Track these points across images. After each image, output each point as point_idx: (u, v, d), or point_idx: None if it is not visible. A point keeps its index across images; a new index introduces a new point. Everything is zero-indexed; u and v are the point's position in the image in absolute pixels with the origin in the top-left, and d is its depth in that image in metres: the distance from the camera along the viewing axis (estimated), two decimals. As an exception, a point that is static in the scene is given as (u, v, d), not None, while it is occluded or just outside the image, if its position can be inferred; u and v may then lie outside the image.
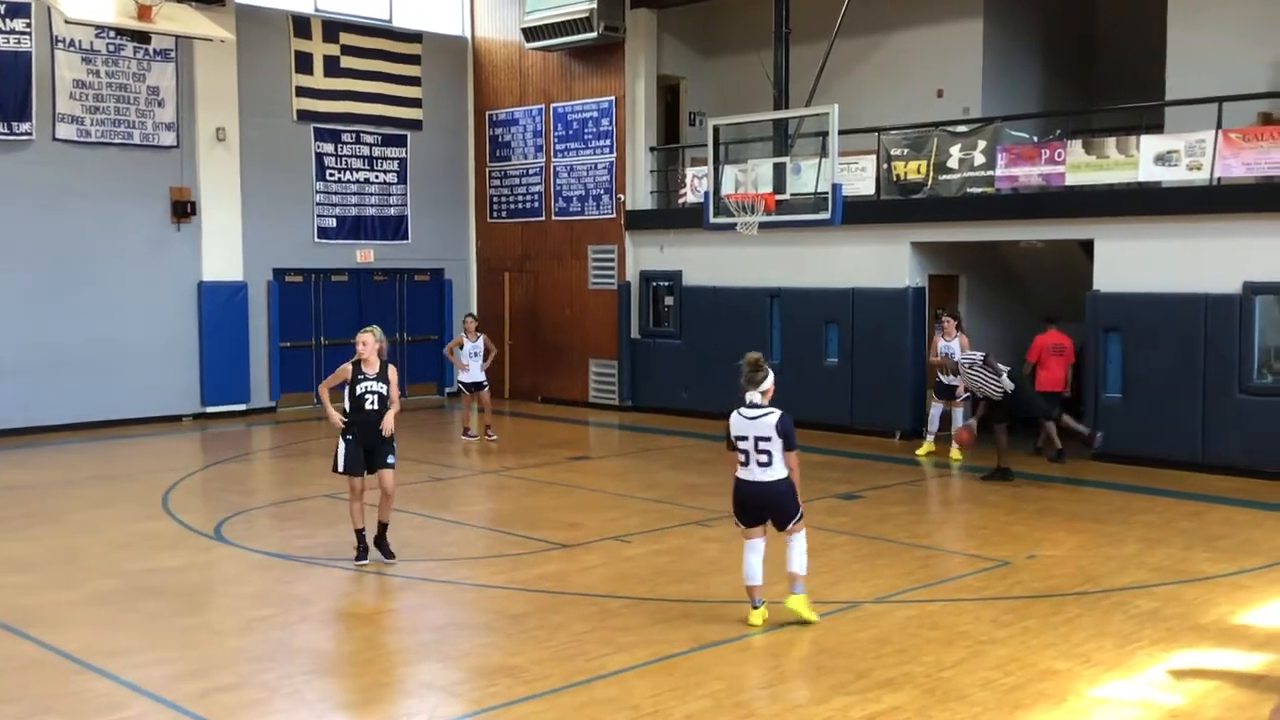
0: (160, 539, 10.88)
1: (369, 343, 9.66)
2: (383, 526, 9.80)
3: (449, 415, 19.56)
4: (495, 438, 16.93)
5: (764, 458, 7.92)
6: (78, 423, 17.71)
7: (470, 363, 16.75)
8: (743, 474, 8.03)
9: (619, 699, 6.74)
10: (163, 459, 15.64)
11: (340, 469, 9.71)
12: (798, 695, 6.89)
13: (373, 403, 9.61)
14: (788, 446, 7.91)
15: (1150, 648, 7.65)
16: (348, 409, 9.64)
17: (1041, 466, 14.10)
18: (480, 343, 16.91)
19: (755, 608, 8.08)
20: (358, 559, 9.71)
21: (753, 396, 7.99)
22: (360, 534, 9.79)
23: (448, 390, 21.65)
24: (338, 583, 9.40)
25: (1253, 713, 6.45)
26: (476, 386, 16.84)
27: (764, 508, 8.05)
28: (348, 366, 9.71)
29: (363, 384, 9.61)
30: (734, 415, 8.03)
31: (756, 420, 7.92)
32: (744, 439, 7.95)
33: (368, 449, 9.66)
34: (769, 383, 8.03)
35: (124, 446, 16.60)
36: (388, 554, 9.76)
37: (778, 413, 7.94)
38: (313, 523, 11.48)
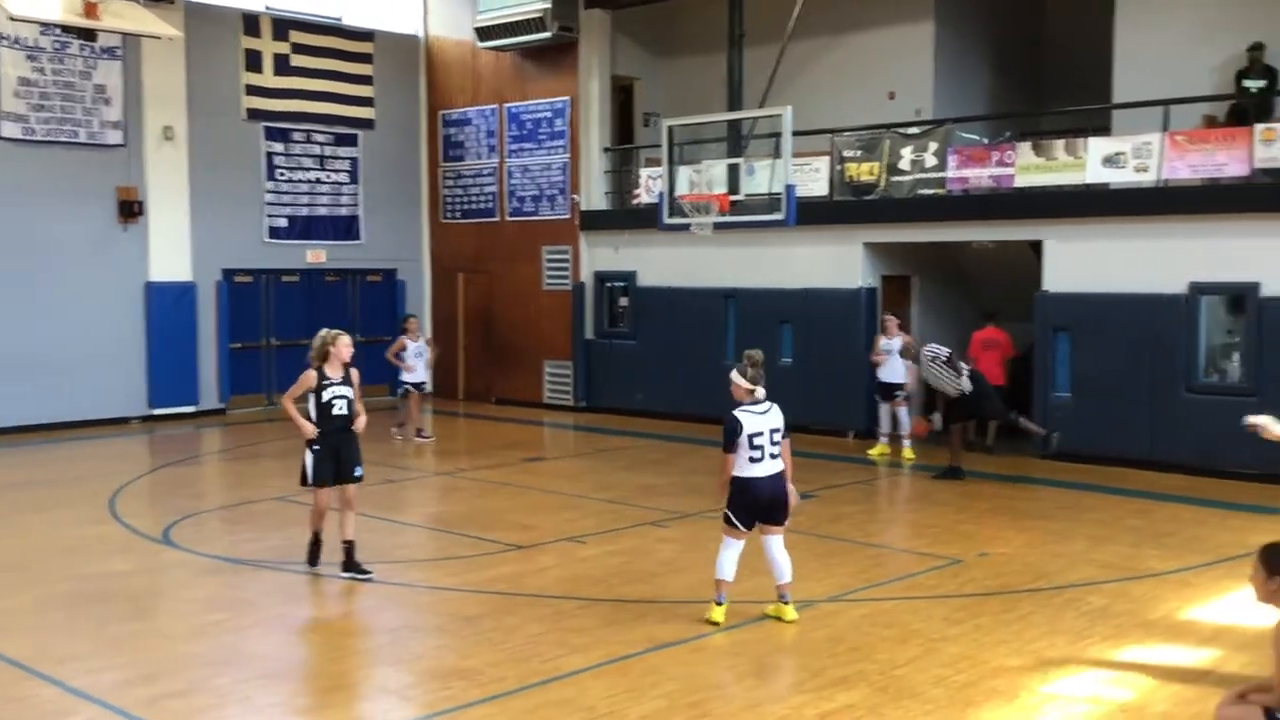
0: (108, 543, 10.71)
1: (350, 344, 9.42)
2: (350, 546, 9.33)
3: (400, 416, 19.40)
4: (401, 437, 16.95)
5: (776, 449, 8.00)
6: (22, 425, 17.39)
7: (415, 363, 16.84)
8: (756, 471, 7.95)
9: (574, 700, 6.72)
10: (110, 462, 15.42)
11: (311, 481, 9.30)
12: (753, 694, 6.90)
13: (341, 408, 9.26)
14: (786, 433, 8.07)
15: (1100, 644, 7.74)
16: (314, 418, 9.24)
17: (994, 465, 14.25)
18: (422, 342, 17.03)
19: (719, 604, 8.08)
20: (312, 562, 9.49)
21: (760, 392, 8.05)
22: (318, 535, 9.50)
23: (400, 391, 21.47)
24: (289, 586, 9.30)
25: (1200, 707, 6.54)
26: (421, 386, 16.98)
27: (776, 502, 8.06)
28: (312, 374, 9.26)
29: (329, 390, 9.23)
30: (743, 415, 7.96)
31: (768, 414, 8.00)
32: (759, 435, 7.93)
33: (336, 458, 9.29)
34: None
35: (70, 449, 16.35)
36: (362, 571, 9.32)
37: (775, 404, 8.09)
38: (263, 526, 11.36)
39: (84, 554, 10.28)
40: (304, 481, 9.38)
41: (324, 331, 9.49)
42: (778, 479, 8.05)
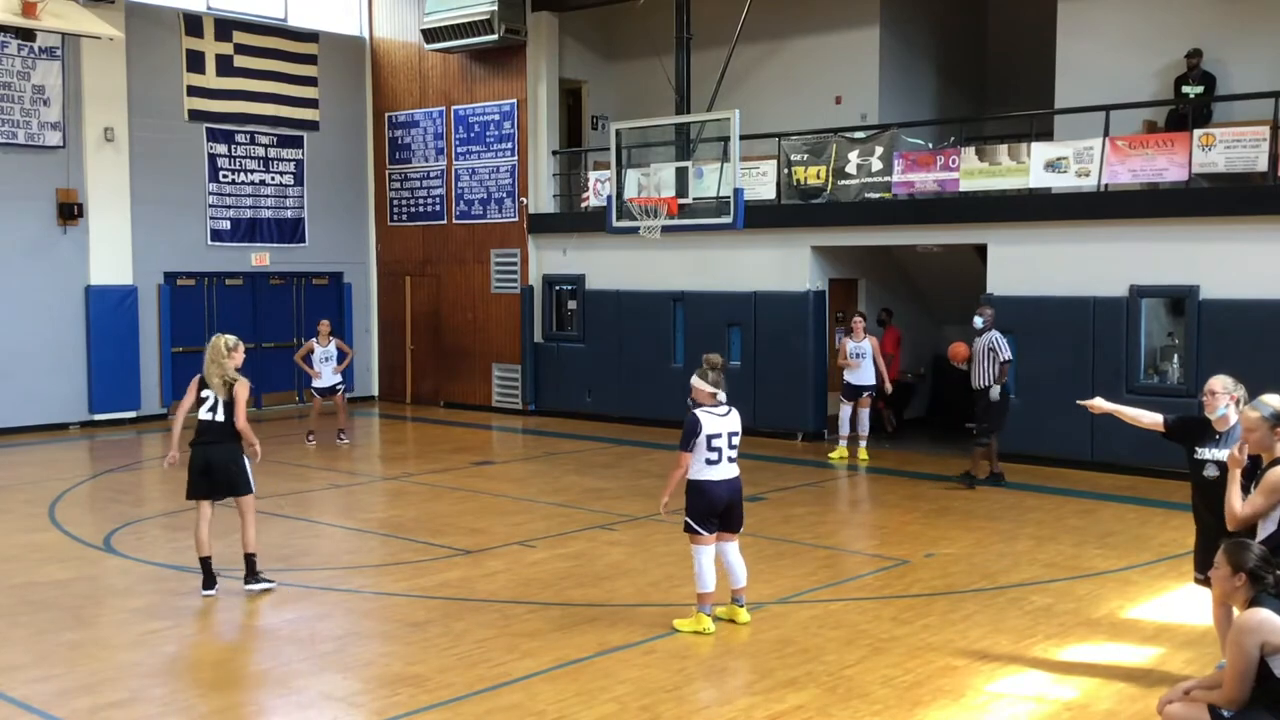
0: (47, 551, 10.52)
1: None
2: (210, 559, 9.18)
3: (348, 421, 19.25)
4: (346, 440, 16.92)
5: (733, 453, 7.97)
6: (-42, 432, 17.09)
7: (322, 368, 16.77)
8: (714, 474, 7.91)
9: (524, 705, 6.69)
10: (49, 468, 15.13)
11: (254, 489, 9.24)
12: (703, 697, 6.91)
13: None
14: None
15: (1044, 642, 7.83)
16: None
17: (938, 466, 14.37)
18: (332, 347, 16.91)
19: (707, 614, 8.02)
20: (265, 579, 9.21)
21: (721, 395, 8.00)
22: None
23: (348, 395, 21.31)
24: (232, 594, 9.17)
25: (1143, 704, 6.64)
26: (330, 391, 16.88)
27: (733, 507, 8.05)
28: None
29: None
30: (703, 415, 7.90)
31: (727, 417, 7.96)
32: (718, 436, 7.89)
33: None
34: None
35: (7, 456, 16.04)
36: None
37: (733, 408, 8.06)
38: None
39: (23, 562, 10.09)
40: (251, 490, 9.16)
41: (236, 339, 9.27)
42: (735, 483, 8.04)
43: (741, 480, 8.13)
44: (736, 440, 8.01)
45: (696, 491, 7.96)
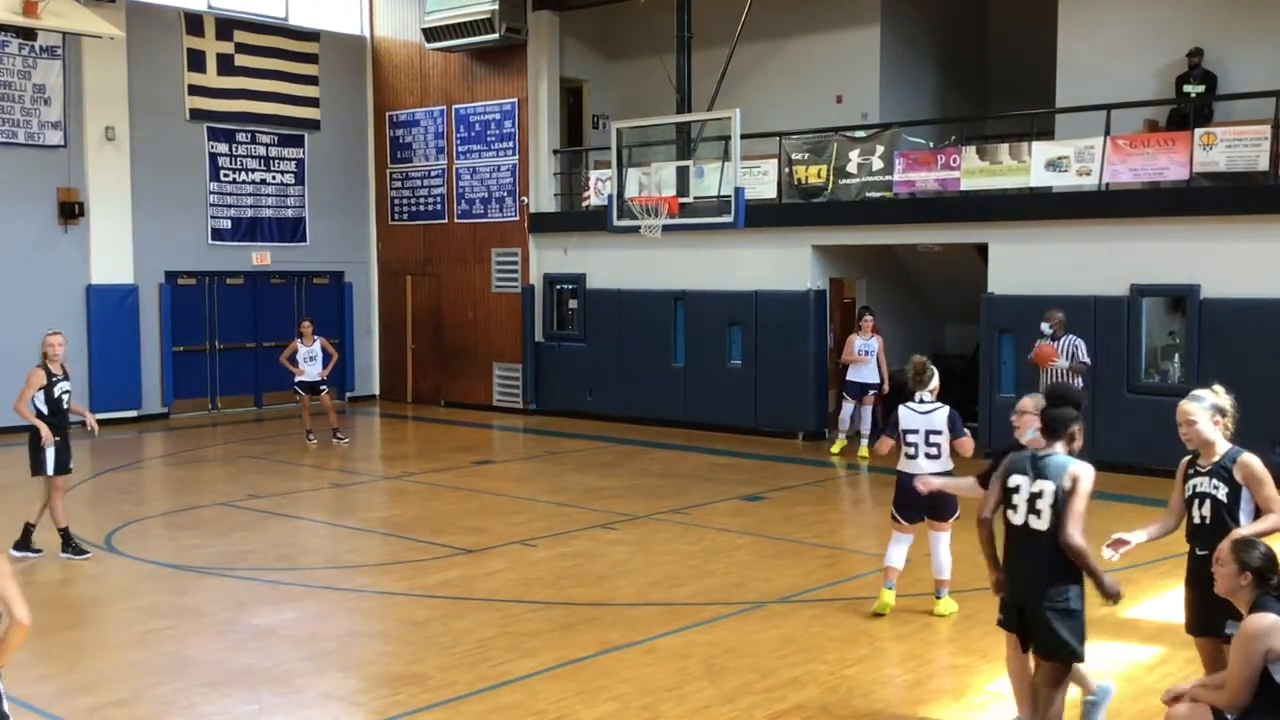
0: (49, 550, 10.50)
1: (60, 342, 10.35)
2: (68, 529, 10.24)
3: (349, 420, 19.26)
4: (344, 439, 16.89)
5: (934, 450, 8.22)
6: (-41, 431, 17.05)
7: (306, 366, 16.80)
8: (909, 467, 8.25)
9: (525, 704, 6.69)
10: (50, 468, 15.12)
11: (54, 470, 10.07)
12: (703, 696, 6.91)
13: (67, 402, 10.28)
14: (957, 435, 8.21)
15: (1046, 642, 7.81)
16: (48, 412, 10.06)
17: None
18: (317, 346, 16.94)
19: (889, 588, 8.33)
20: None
21: (922, 394, 8.28)
22: (33, 525, 10.23)
23: (348, 394, 21.37)
24: (233, 593, 9.19)
25: (1144, 704, 6.64)
26: (313, 389, 16.87)
27: (927, 500, 8.14)
28: (40, 372, 10.11)
29: (59, 385, 10.22)
30: (902, 409, 8.36)
31: (929, 414, 8.25)
32: (914, 432, 8.25)
33: (66, 448, 10.20)
34: (935, 382, 8.37)
35: (7, 455, 16.00)
36: (81, 550, 10.21)
37: (947, 408, 8.28)
38: (207, 532, 11.21)
39: (24, 561, 10.08)
40: (47, 471, 10.04)
41: (46, 333, 10.46)
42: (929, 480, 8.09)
43: (944, 478, 8.06)
44: (938, 438, 8.20)
45: (896, 481, 8.38)
